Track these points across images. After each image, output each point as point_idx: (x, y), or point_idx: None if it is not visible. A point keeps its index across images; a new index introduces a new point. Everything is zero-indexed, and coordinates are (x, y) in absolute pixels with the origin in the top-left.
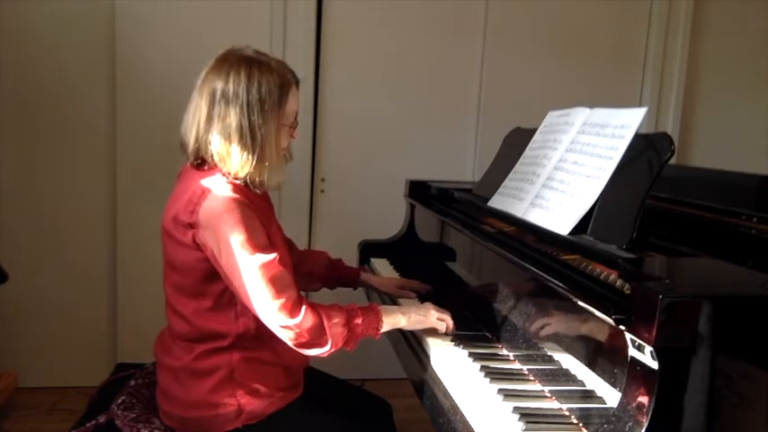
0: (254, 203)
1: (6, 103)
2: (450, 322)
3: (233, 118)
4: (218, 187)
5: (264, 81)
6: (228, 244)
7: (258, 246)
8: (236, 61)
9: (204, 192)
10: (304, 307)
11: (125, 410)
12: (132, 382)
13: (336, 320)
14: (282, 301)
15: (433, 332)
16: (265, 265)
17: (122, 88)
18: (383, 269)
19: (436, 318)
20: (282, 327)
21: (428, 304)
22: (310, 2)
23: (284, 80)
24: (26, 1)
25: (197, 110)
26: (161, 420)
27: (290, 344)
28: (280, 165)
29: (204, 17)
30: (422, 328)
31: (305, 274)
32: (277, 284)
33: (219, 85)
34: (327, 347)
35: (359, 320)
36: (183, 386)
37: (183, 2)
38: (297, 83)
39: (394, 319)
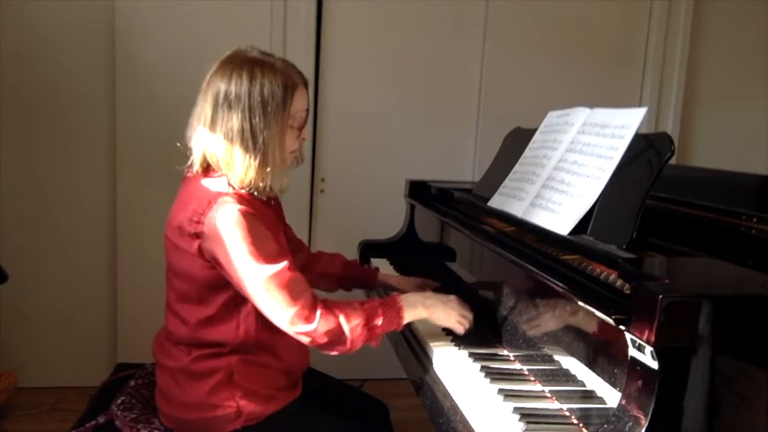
0: (260, 212)
1: (7, 103)
2: (467, 324)
3: (235, 121)
4: (223, 198)
5: (267, 82)
6: (237, 256)
7: (268, 256)
8: (239, 63)
9: (210, 202)
10: (319, 312)
11: (125, 411)
12: (132, 383)
13: (356, 322)
14: (297, 308)
15: (434, 332)
16: (276, 275)
17: (122, 88)
18: (383, 269)
19: (455, 321)
20: (300, 333)
21: (454, 301)
22: (310, 2)
23: (289, 81)
24: (26, 1)
25: (201, 113)
26: (161, 421)
27: (311, 346)
28: (283, 168)
29: (204, 17)
30: (442, 324)
31: (318, 275)
32: (290, 292)
33: (222, 87)
34: (349, 346)
35: (379, 320)
36: (182, 388)
37: (183, 2)
38: (305, 83)
39: (416, 313)
